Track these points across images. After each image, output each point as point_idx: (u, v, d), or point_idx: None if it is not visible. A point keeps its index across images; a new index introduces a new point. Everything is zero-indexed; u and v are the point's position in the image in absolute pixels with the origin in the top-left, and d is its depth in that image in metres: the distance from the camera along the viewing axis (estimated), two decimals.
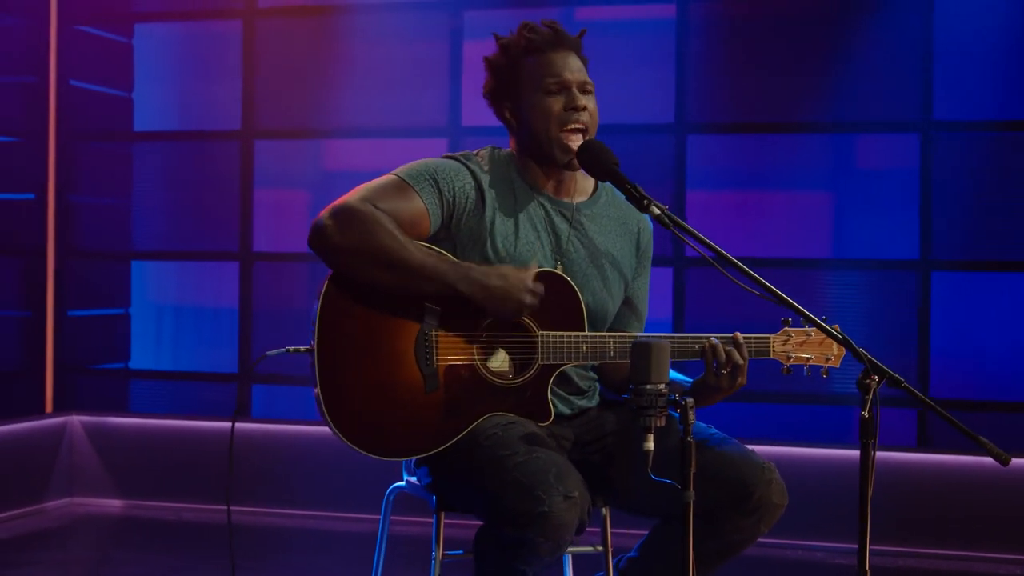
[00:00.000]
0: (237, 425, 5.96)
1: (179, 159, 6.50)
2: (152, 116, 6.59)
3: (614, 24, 6.39)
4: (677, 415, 3.08)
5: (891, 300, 5.85)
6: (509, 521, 2.68)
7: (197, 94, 6.59)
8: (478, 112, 6.02)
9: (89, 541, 5.76)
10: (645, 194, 2.84)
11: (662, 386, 2.52)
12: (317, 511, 5.85)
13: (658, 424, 2.52)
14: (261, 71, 6.27)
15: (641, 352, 2.54)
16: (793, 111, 6.01)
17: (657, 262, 5.89)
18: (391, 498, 3.22)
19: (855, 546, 2.62)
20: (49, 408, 6.31)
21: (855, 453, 5.52)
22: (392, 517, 3.32)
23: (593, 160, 2.91)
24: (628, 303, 3.18)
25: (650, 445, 2.53)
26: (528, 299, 2.85)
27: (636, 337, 2.89)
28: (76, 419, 6.16)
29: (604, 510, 3.12)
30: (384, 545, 3.26)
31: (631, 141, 6.14)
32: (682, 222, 2.80)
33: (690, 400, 2.50)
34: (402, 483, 3.21)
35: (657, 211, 2.80)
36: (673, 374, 3.03)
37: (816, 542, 5.59)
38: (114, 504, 6.14)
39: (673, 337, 2.92)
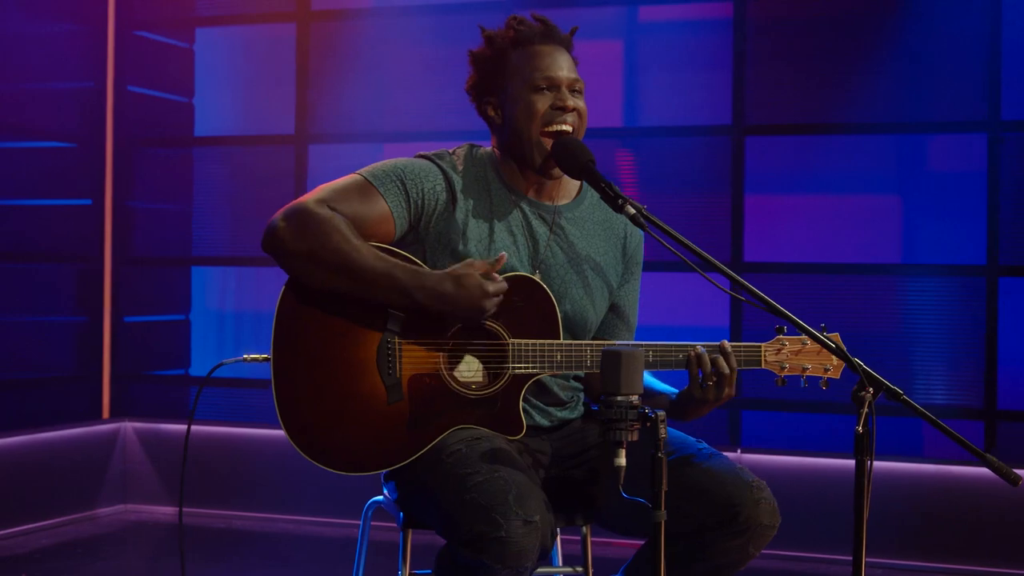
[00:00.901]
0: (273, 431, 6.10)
1: (239, 164, 6.52)
2: (213, 120, 6.63)
3: (670, 24, 6.33)
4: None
5: (958, 307, 5.76)
6: (466, 544, 2.58)
7: (256, 98, 6.63)
8: None
9: (140, 548, 5.78)
10: (620, 193, 2.72)
11: (634, 398, 2.40)
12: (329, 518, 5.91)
13: (630, 439, 2.39)
14: (315, 74, 6.28)
15: (611, 361, 2.41)
16: (856, 111, 5.89)
17: (714, 267, 5.93)
18: (369, 512, 3.14)
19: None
20: (106, 414, 6.35)
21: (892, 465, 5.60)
22: (380, 524, 3.30)
23: (568, 156, 2.79)
24: (615, 310, 3.07)
25: (621, 461, 2.41)
26: (487, 304, 2.74)
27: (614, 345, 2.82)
28: (129, 425, 6.19)
29: (584, 529, 3.02)
30: (363, 559, 3.19)
31: (687, 143, 6.09)
32: (661, 223, 2.68)
33: (661, 413, 2.38)
34: (380, 497, 3.15)
35: (632, 211, 2.68)
36: (659, 384, 2.95)
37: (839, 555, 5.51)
38: (166, 511, 6.17)
39: (656, 346, 2.81)
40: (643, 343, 2.82)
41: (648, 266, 6.48)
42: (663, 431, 2.36)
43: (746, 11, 5.91)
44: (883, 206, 5.99)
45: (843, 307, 5.93)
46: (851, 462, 5.46)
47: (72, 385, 6.31)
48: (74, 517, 6.28)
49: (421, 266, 2.81)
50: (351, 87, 6.48)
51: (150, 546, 5.92)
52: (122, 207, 6.39)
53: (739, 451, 5.84)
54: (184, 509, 6.03)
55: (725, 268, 2.62)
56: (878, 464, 5.51)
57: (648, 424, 2.37)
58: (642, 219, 2.68)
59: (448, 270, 2.76)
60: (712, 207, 6.15)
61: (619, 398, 2.38)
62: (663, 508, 2.35)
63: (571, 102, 2.85)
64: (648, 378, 2.98)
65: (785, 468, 5.43)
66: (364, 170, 2.87)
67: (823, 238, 5.99)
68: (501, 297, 2.75)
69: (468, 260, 2.78)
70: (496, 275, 2.75)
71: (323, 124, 6.25)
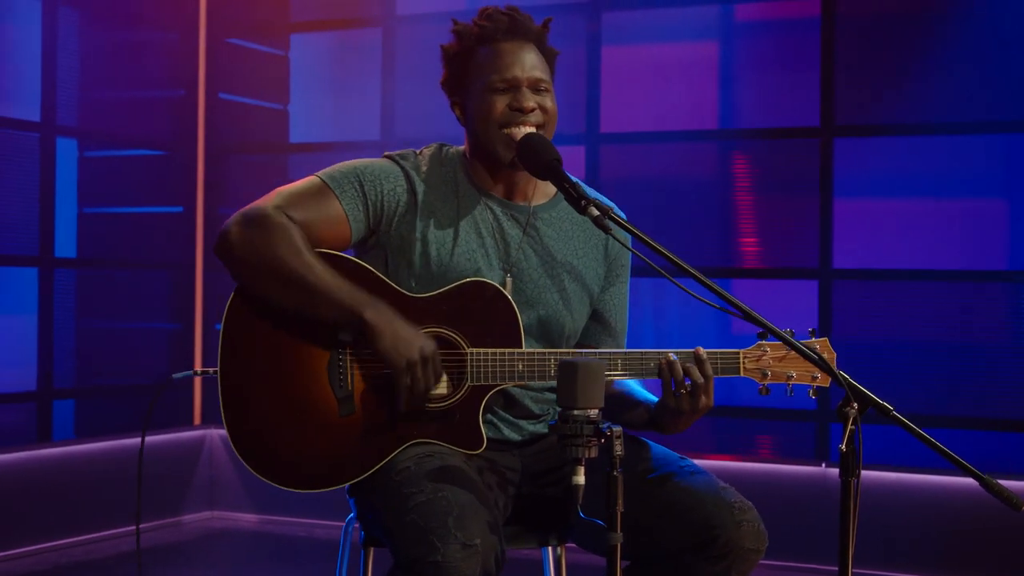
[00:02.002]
0: None
1: None
2: (307, 127, 6.68)
3: (761, 24, 6.30)
4: (650, 442, 2.87)
5: None
6: (403, 568, 2.48)
7: (346, 104, 6.69)
8: (617, 119, 6.06)
9: (224, 555, 5.84)
10: (584, 194, 2.60)
11: (592, 412, 2.27)
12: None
13: (588, 455, 2.26)
14: (402, 79, 6.32)
15: (567, 373, 2.28)
16: (951, 111, 5.77)
17: (800, 274, 5.73)
18: (349, 528, 3.05)
19: None
20: (197, 421, 6.43)
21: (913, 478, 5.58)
22: None
23: (531, 154, 2.68)
24: (597, 317, 2.95)
25: (580, 479, 2.28)
26: (416, 355, 2.62)
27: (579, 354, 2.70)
28: (216, 432, 6.27)
29: (559, 550, 2.92)
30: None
31: (774, 145, 6.05)
32: (630, 225, 2.58)
33: (617, 429, 2.25)
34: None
35: (596, 212, 2.55)
36: (643, 394, 2.84)
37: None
38: (251, 519, 6.21)
39: (627, 354, 2.71)
40: (615, 351, 2.73)
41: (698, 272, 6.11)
42: (619, 448, 2.24)
43: (835, 8, 5.83)
44: (988, 210, 5.87)
45: (942, 316, 5.82)
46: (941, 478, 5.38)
47: (165, 391, 6.44)
48: (160, 523, 6.35)
49: (375, 274, 2.74)
50: (439, 92, 6.41)
51: (234, 553, 5.97)
52: (213, 214, 6.47)
53: (823, 465, 5.67)
54: (266, 516, 6.18)
55: (697, 273, 2.48)
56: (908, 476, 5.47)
57: (603, 440, 2.24)
58: (605, 221, 2.56)
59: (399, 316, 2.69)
60: (800, 211, 6.05)
61: (576, 412, 2.26)
62: (619, 530, 2.23)
63: (531, 102, 2.75)
64: (633, 387, 2.88)
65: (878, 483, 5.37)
66: (323, 171, 2.80)
67: (919, 244, 5.85)
68: (424, 365, 2.64)
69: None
70: (437, 358, 2.67)
71: (407, 130, 6.29)
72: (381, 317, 2.65)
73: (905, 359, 5.88)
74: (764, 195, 6.15)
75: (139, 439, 6.02)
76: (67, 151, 6.45)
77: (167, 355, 6.62)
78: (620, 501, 2.23)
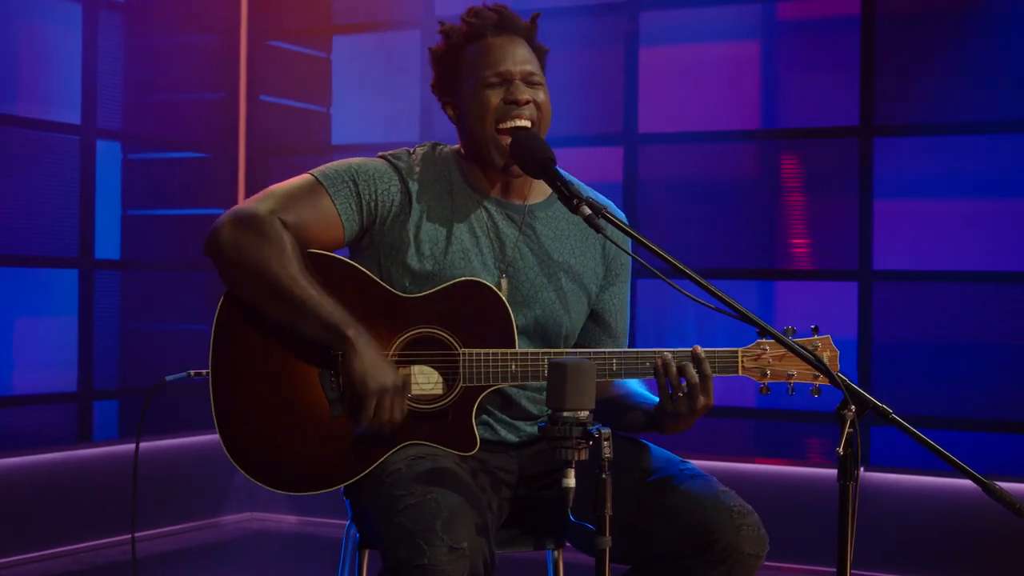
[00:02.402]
0: None
1: None
2: (349, 129, 6.73)
3: (802, 23, 6.29)
4: (651, 444, 2.86)
5: None
6: (392, 570, 2.46)
7: (387, 105, 6.74)
8: (656, 119, 6.06)
9: (262, 557, 5.88)
10: (577, 192, 2.59)
11: (582, 414, 2.24)
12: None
13: (578, 458, 2.24)
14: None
15: (556, 373, 2.26)
16: (991, 110, 5.71)
17: (840, 276, 5.70)
18: (351, 531, 3.03)
19: None
20: None
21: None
22: None
23: (524, 154, 2.67)
24: (596, 318, 2.93)
25: (570, 482, 2.26)
26: (388, 384, 2.61)
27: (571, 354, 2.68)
28: None
29: (556, 553, 2.89)
30: None
31: (814, 145, 6.03)
32: (625, 226, 2.58)
33: (605, 431, 2.22)
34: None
35: (587, 211, 2.53)
36: (644, 396, 2.82)
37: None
38: (290, 520, 6.25)
39: (622, 353, 2.69)
40: (610, 351, 2.70)
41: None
42: (607, 450, 2.22)
43: (874, 6, 5.80)
44: None
45: (984, 318, 5.77)
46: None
47: (207, 392, 6.50)
48: (199, 524, 6.40)
49: (368, 276, 2.73)
50: None
51: (272, 554, 6.01)
52: None
53: (861, 469, 5.54)
54: (305, 518, 6.22)
55: (692, 273, 2.47)
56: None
57: (591, 443, 2.22)
58: (597, 222, 2.54)
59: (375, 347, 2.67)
60: (839, 212, 6.01)
61: (565, 414, 2.24)
62: (607, 534, 2.21)
63: (525, 95, 2.73)
64: (635, 387, 2.87)
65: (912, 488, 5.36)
66: (317, 170, 2.80)
67: (961, 245, 5.81)
68: (392, 395, 2.62)
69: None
70: (404, 403, 2.65)
71: (447, 131, 6.36)
72: (361, 340, 2.64)
73: (946, 362, 5.89)
74: (805, 196, 6.18)
75: (178, 440, 6.17)
76: (111, 154, 6.53)
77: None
78: (608, 504, 2.21)
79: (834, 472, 5.97)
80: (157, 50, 6.58)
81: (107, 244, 6.37)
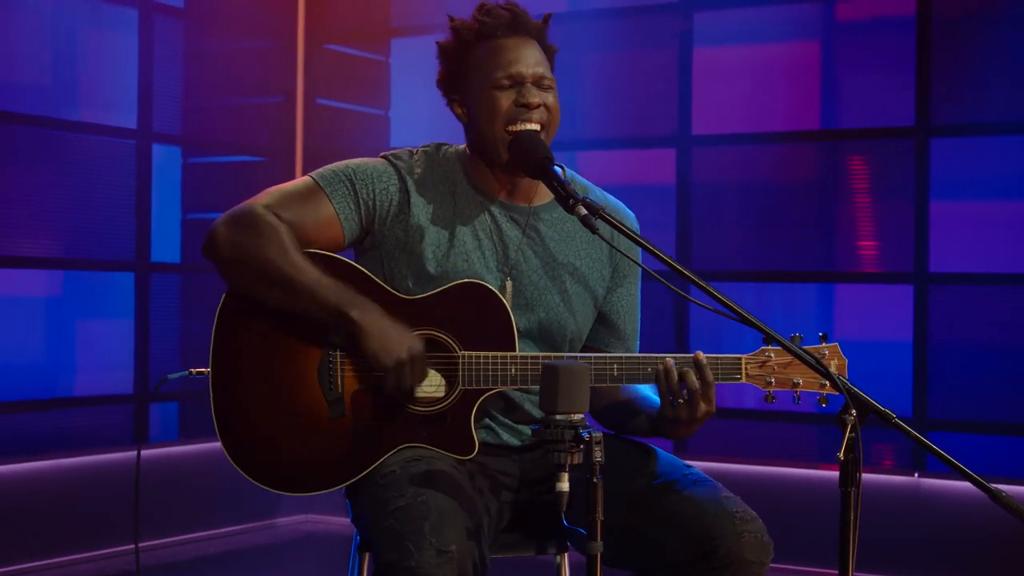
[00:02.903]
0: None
1: None
2: (406, 132, 6.79)
3: (861, 23, 6.29)
4: (658, 449, 2.86)
5: None
6: (382, 572, 2.49)
7: (445, 108, 6.79)
8: (709, 120, 6.06)
9: (317, 559, 5.92)
10: (573, 193, 2.59)
11: (575, 417, 2.25)
12: None
13: (572, 461, 2.24)
14: None
15: (549, 376, 2.26)
16: None
17: (896, 278, 5.66)
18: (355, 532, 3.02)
19: None
20: None
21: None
22: None
23: (521, 153, 2.69)
24: (604, 320, 2.94)
25: (564, 486, 2.26)
26: (404, 355, 2.62)
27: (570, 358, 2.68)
28: None
29: (558, 558, 2.90)
30: None
31: (870, 146, 6.00)
32: (622, 226, 2.58)
33: (596, 435, 2.23)
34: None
35: (583, 212, 2.54)
36: (651, 398, 2.81)
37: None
38: (345, 522, 6.32)
39: (623, 358, 2.70)
40: (610, 356, 2.72)
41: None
42: (599, 454, 2.22)
43: (930, 6, 5.76)
44: None
45: None
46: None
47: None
48: (254, 525, 6.46)
49: (367, 276, 2.75)
50: None
51: (326, 556, 6.07)
52: None
53: (916, 475, 5.78)
54: (344, 519, 6.29)
55: (692, 275, 2.47)
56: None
57: (582, 447, 2.23)
58: (592, 222, 2.55)
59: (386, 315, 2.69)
60: (896, 213, 5.97)
61: (558, 417, 2.24)
62: (599, 539, 2.22)
63: (536, 98, 2.73)
64: (642, 392, 2.89)
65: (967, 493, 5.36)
66: (316, 172, 2.82)
67: (1019, 246, 5.78)
68: (411, 364, 2.65)
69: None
70: (423, 358, 2.68)
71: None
72: (368, 317, 2.67)
73: (1002, 364, 5.86)
74: (865, 197, 6.16)
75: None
76: (171, 158, 6.63)
77: None
78: (600, 509, 2.22)
79: (880, 478, 5.93)
80: (215, 55, 6.67)
81: (167, 247, 6.45)
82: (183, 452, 6.26)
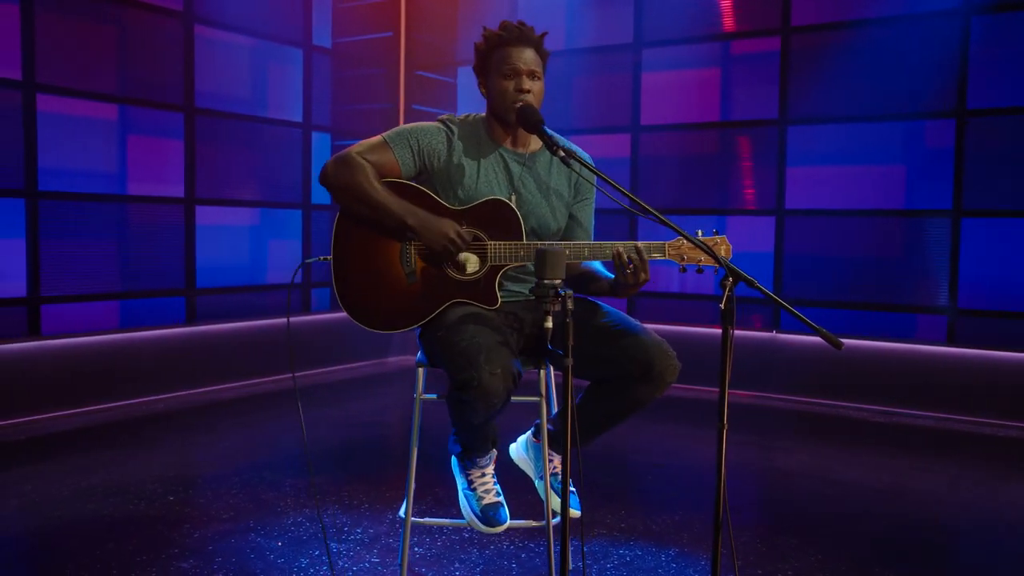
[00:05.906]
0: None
1: None
2: None
3: (742, 56, 7.03)
4: (603, 304, 3.31)
5: None
6: (456, 385, 2.85)
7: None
8: (653, 116, 7.11)
9: (414, 382, 4.18)
10: (555, 143, 2.95)
11: (556, 281, 2.56)
12: None
13: (554, 308, 2.56)
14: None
15: (540, 256, 2.58)
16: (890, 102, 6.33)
17: (764, 213, 6.37)
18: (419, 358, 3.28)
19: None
20: None
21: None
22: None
23: (525, 118, 3.03)
24: (574, 219, 3.31)
25: (548, 324, 2.60)
26: (450, 235, 3.01)
27: (559, 245, 2.99)
28: None
29: (541, 372, 3.26)
30: (417, 431, 3.35)
31: (749, 131, 6.81)
32: (589, 165, 2.93)
33: (569, 292, 2.52)
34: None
35: (562, 154, 2.91)
36: (604, 271, 3.26)
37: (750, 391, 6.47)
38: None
39: (592, 244, 3.01)
40: (585, 243, 3.03)
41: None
42: (571, 304, 2.52)
43: (790, 44, 6.52)
44: None
45: (857, 241, 6.48)
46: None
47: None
48: (373, 362, 7.90)
49: (431, 195, 3.10)
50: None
51: (410, 381, 6.96)
52: None
53: (774, 332, 6.70)
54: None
55: (631, 195, 2.77)
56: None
57: (560, 299, 2.57)
58: (565, 158, 2.90)
59: (439, 217, 3.03)
60: (765, 173, 6.81)
61: (546, 281, 2.57)
62: (570, 357, 2.51)
63: (527, 85, 3.09)
64: (598, 266, 3.26)
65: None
66: (387, 132, 3.13)
67: (843, 193, 6.56)
68: (458, 241, 3.02)
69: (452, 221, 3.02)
70: (463, 235, 3.04)
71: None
72: (418, 220, 3.04)
73: (827, 266, 6.56)
74: (748, 162, 6.84)
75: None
76: (324, 141, 7.96)
77: None
78: (570, 337, 2.52)
79: (750, 334, 6.41)
80: (350, 77, 8.03)
81: (320, 196, 7.75)
82: (333, 318, 7.47)
